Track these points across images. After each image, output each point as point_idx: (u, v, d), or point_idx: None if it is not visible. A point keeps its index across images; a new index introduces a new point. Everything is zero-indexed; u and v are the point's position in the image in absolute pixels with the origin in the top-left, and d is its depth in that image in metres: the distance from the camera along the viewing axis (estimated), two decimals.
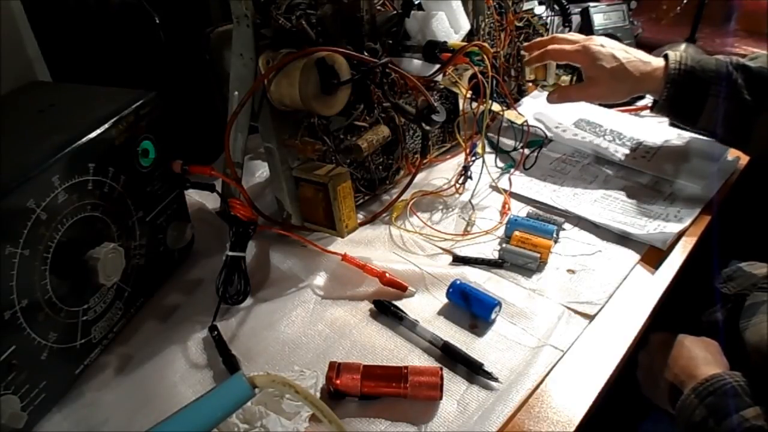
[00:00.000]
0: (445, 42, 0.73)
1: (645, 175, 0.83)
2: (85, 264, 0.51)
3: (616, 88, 0.80)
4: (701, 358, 0.65)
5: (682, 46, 1.09)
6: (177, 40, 0.79)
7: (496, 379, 0.54)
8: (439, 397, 0.52)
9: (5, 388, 0.45)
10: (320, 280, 0.66)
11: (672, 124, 0.96)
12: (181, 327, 0.61)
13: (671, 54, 0.77)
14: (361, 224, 0.73)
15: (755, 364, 0.62)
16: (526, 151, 0.82)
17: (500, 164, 0.82)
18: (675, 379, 0.65)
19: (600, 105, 0.99)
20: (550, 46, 0.84)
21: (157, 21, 0.77)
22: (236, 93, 0.64)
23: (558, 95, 0.86)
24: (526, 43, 0.90)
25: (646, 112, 1.02)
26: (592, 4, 1.06)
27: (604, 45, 0.80)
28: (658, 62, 0.78)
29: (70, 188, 0.49)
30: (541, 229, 0.70)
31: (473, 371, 0.54)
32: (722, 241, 0.76)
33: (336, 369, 0.52)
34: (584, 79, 0.82)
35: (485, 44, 0.72)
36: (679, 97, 0.76)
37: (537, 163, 0.84)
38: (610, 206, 0.76)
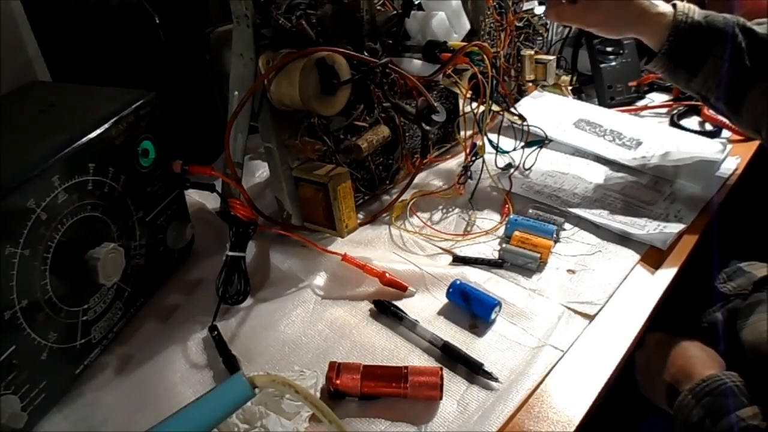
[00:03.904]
0: (445, 42, 0.73)
1: (645, 175, 0.83)
2: (85, 264, 0.51)
3: (614, 21, 0.75)
4: (697, 357, 0.65)
5: None
6: (177, 40, 0.79)
7: (496, 379, 0.54)
8: (439, 397, 0.52)
9: (5, 388, 0.45)
10: (320, 280, 0.66)
11: (672, 124, 0.97)
12: (181, 327, 0.61)
13: (680, 4, 0.73)
14: (361, 224, 0.73)
15: (752, 363, 0.62)
16: (526, 151, 0.82)
17: (500, 164, 0.82)
18: (672, 380, 0.65)
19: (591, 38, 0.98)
20: None
21: (157, 21, 0.77)
22: (236, 93, 0.64)
23: (554, 13, 0.80)
24: None
25: (647, 112, 1.02)
26: None
27: None
28: (665, 7, 0.73)
29: (70, 188, 0.49)
30: (541, 229, 0.70)
31: (473, 371, 0.54)
32: (722, 241, 0.76)
33: (336, 369, 0.52)
34: (587, 1, 0.76)
35: (485, 44, 0.72)
36: (679, 52, 0.72)
37: (537, 163, 0.84)
38: (610, 206, 0.76)
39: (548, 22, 1.01)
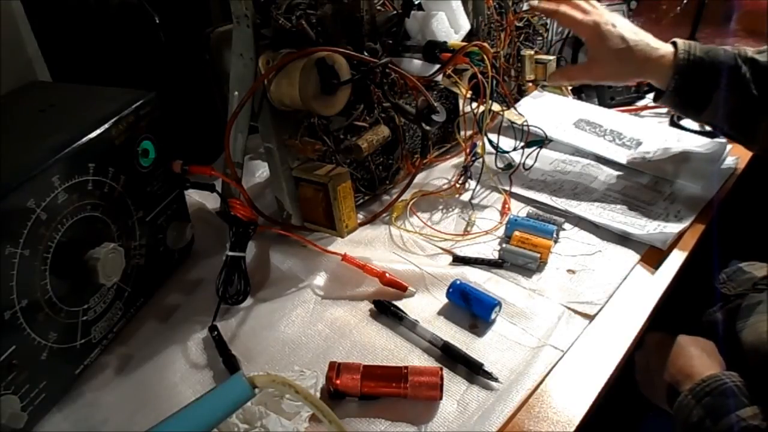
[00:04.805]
0: (445, 42, 0.73)
1: (645, 175, 0.83)
2: (85, 264, 0.51)
3: (619, 72, 0.78)
4: (697, 357, 0.65)
5: None
6: (177, 40, 0.79)
7: (496, 379, 0.54)
8: (439, 397, 0.52)
9: (5, 388, 0.45)
10: (320, 280, 0.66)
11: (672, 124, 0.97)
12: (181, 327, 0.61)
13: (680, 43, 0.75)
14: (361, 224, 0.73)
15: (753, 364, 0.62)
16: (526, 151, 0.82)
17: (500, 164, 0.82)
18: (672, 379, 0.65)
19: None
20: (562, 7, 0.80)
21: (157, 21, 0.77)
22: (236, 93, 0.64)
23: (560, 75, 0.84)
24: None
25: (647, 112, 1.02)
26: None
27: (615, 25, 0.76)
28: (666, 49, 0.75)
29: (70, 188, 0.49)
30: (541, 229, 0.70)
31: (473, 371, 0.54)
32: (722, 241, 0.76)
33: (336, 369, 0.52)
34: (588, 58, 0.79)
35: (485, 44, 0.72)
36: (685, 89, 0.74)
37: (537, 163, 0.84)
38: (610, 206, 0.76)
39: (548, 21, 1.01)
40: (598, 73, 0.80)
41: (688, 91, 0.75)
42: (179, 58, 0.79)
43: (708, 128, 0.94)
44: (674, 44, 0.75)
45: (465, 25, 0.79)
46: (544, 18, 1.00)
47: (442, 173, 0.86)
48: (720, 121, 0.75)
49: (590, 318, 0.61)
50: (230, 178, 0.64)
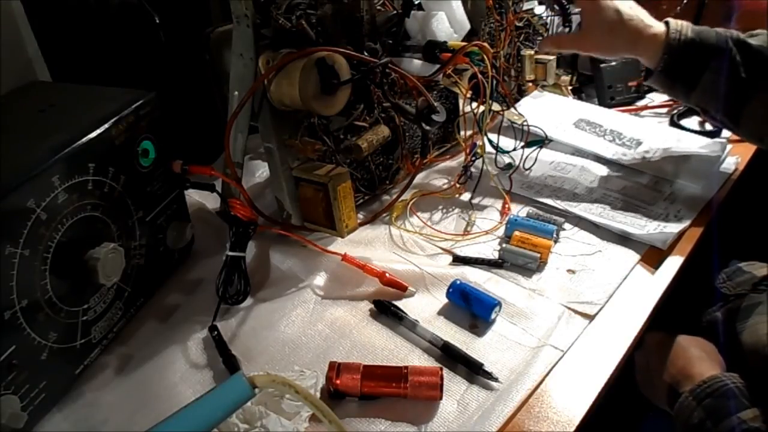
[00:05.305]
0: (445, 42, 0.73)
1: (645, 175, 0.83)
2: (85, 264, 0.51)
3: (610, 44, 0.77)
4: (698, 358, 0.65)
5: None
6: (177, 40, 0.79)
7: (496, 379, 0.54)
8: (439, 397, 0.52)
9: (5, 388, 0.45)
10: (320, 280, 0.66)
11: (672, 124, 0.97)
12: (181, 327, 0.61)
13: (672, 22, 0.74)
14: (361, 224, 0.73)
15: (752, 365, 0.62)
16: (526, 151, 0.82)
17: (500, 164, 0.82)
18: (672, 380, 0.65)
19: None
20: None
21: (157, 21, 0.77)
22: (236, 93, 0.64)
23: (550, 42, 0.83)
24: None
25: (647, 112, 1.02)
26: None
27: None
28: (658, 27, 0.74)
29: (70, 188, 0.49)
30: (541, 229, 0.70)
31: (473, 371, 0.54)
32: (722, 241, 0.76)
33: (336, 369, 0.52)
34: (582, 27, 0.78)
35: (485, 44, 0.72)
36: (674, 69, 0.74)
37: (537, 163, 0.84)
38: (610, 206, 0.76)
39: (548, 21, 1.01)
40: (589, 44, 0.79)
41: (677, 71, 0.74)
42: (179, 58, 0.79)
43: (708, 128, 0.94)
44: (667, 23, 0.75)
45: (465, 25, 0.79)
46: (544, 17, 1.00)
47: (442, 173, 0.86)
48: (708, 103, 0.75)
49: (590, 318, 0.61)
50: (230, 178, 0.64)
